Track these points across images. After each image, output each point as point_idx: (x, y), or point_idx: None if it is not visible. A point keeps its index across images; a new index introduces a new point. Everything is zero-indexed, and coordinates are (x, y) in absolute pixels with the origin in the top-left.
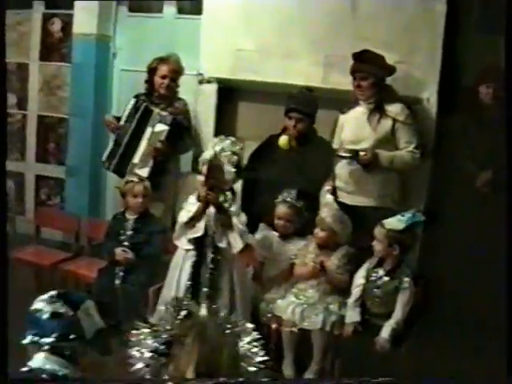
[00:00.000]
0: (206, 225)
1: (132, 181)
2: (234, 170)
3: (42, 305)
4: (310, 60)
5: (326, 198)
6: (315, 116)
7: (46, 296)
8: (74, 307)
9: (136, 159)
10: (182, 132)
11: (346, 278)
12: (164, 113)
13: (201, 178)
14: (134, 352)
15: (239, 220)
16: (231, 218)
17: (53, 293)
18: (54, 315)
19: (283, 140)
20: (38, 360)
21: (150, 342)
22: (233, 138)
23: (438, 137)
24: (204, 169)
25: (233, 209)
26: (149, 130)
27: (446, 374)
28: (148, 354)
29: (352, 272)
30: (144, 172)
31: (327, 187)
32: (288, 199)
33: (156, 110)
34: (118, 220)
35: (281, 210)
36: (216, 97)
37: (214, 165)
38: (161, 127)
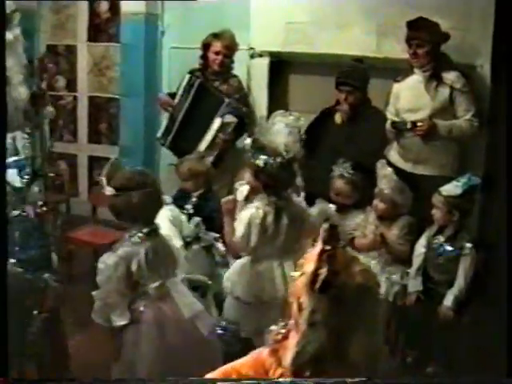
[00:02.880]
0: None
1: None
2: (298, 146)
3: None
4: (363, 29)
5: (385, 169)
6: (366, 88)
7: None
8: None
9: (202, 147)
10: (246, 120)
11: (406, 248)
12: (235, 104)
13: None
14: None
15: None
16: None
17: None
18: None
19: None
20: None
21: None
22: (296, 114)
23: (492, 104)
24: None
25: None
26: (218, 120)
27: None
28: None
29: (413, 241)
30: (209, 160)
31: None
32: (345, 174)
33: (227, 100)
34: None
35: (338, 185)
36: (268, 70)
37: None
38: (230, 119)
